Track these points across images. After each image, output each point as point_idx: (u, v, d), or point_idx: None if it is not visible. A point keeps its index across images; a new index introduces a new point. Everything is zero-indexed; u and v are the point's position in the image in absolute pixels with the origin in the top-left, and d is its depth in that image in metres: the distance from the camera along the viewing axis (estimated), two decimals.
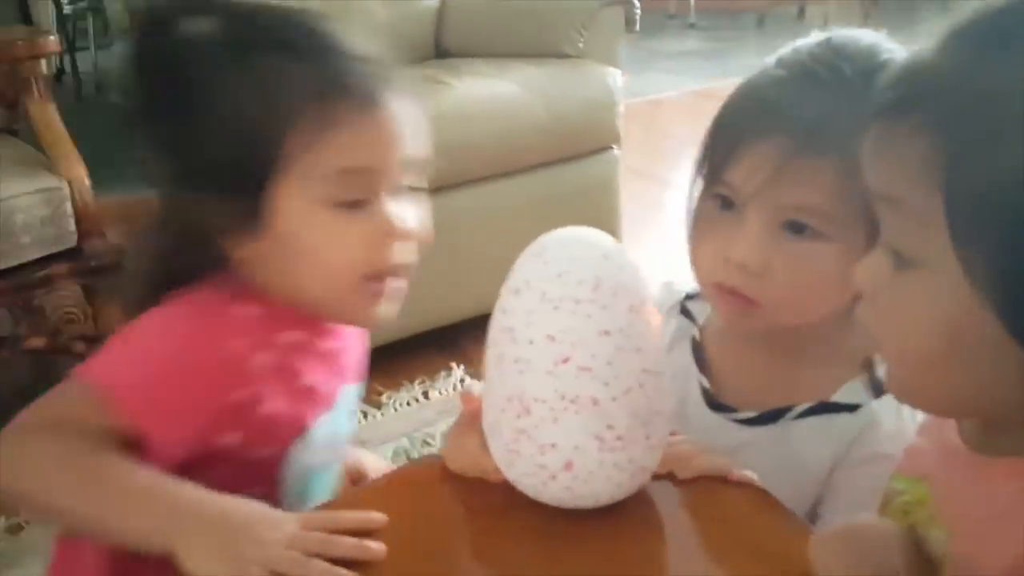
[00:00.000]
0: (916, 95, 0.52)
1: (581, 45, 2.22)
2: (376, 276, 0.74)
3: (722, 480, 0.72)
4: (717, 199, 0.77)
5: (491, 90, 2.05)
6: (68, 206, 1.64)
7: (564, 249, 0.65)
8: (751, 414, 0.82)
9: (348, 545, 0.64)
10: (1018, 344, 0.49)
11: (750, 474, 0.73)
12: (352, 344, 0.85)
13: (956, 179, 0.49)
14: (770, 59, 0.78)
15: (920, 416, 0.78)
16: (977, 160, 0.49)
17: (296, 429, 0.78)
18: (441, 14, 2.50)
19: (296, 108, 0.69)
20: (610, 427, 0.64)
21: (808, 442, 0.79)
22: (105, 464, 0.67)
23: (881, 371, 0.81)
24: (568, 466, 0.64)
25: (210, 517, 0.64)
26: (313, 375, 0.78)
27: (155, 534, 0.64)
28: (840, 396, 0.80)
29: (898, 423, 0.78)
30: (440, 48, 2.51)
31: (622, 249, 0.66)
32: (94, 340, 1.74)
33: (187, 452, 0.71)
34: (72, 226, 1.65)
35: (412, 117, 0.74)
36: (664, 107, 4.25)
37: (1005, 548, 0.53)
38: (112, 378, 0.71)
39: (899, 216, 0.54)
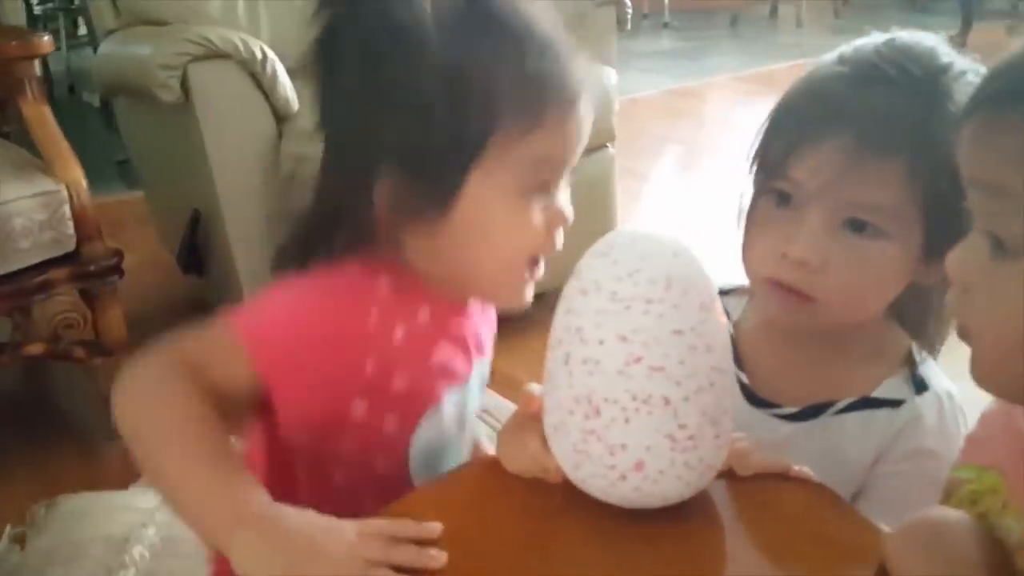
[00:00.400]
0: (1014, 91, 0.53)
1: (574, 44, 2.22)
2: (536, 260, 0.77)
3: (781, 477, 0.72)
4: (773, 195, 0.77)
5: None
6: (66, 209, 1.61)
7: (633, 247, 0.64)
8: (793, 409, 0.83)
9: (410, 553, 0.63)
10: None
11: (808, 471, 0.73)
12: (483, 321, 0.86)
13: None
14: (829, 56, 0.78)
15: (962, 418, 0.79)
16: None
17: (426, 404, 0.80)
18: None
19: (507, 104, 0.70)
20: (682, 427, 0.63)
21: (850, 437, 0.80)
22: (207, 438, 0.67)
23: (922, 367, 0.82)
24: (639, 467, 0.64)
25: (275, 533, 0.63)
26: (445, 352, 0.80)
27: (218, 531, 0.64)
28: (882, 392, 0.81)
29: (940, 420, 0.79)
30: None
31: (689, 247, 0.66)
32: (94, 346, 1.71)
33: (317, 417, 0.74)
34: (71, 230, 1.62)
35: (590, 112, 0.76)
36: (640, 105, 4.28)
37: None
38: (255, 331, 0.72)
39: (1001, 203, 0.54)
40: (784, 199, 0.76)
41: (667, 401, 0.63)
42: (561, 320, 0.66)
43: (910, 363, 0.82)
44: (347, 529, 0.64)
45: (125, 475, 1.70)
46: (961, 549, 0.57)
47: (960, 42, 4.89)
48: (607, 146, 2.21)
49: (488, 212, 0.72)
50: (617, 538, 0.67)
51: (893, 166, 0.72)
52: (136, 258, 2.65)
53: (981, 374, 0.59)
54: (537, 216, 0.74)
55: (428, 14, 0.70)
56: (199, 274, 2.07)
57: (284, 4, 2.24)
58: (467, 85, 0.69)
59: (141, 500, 1.38)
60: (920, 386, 0.81)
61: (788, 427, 0.83)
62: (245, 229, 1.85)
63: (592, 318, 0.64)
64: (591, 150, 2.17)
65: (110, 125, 2.89)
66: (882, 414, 0.80)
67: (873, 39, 0.78)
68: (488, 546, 0.68)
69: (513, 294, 0.78)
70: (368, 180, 0.72)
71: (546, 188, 0.74)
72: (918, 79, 0.73)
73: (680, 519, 0.68)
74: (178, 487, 0.67)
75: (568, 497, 0.70)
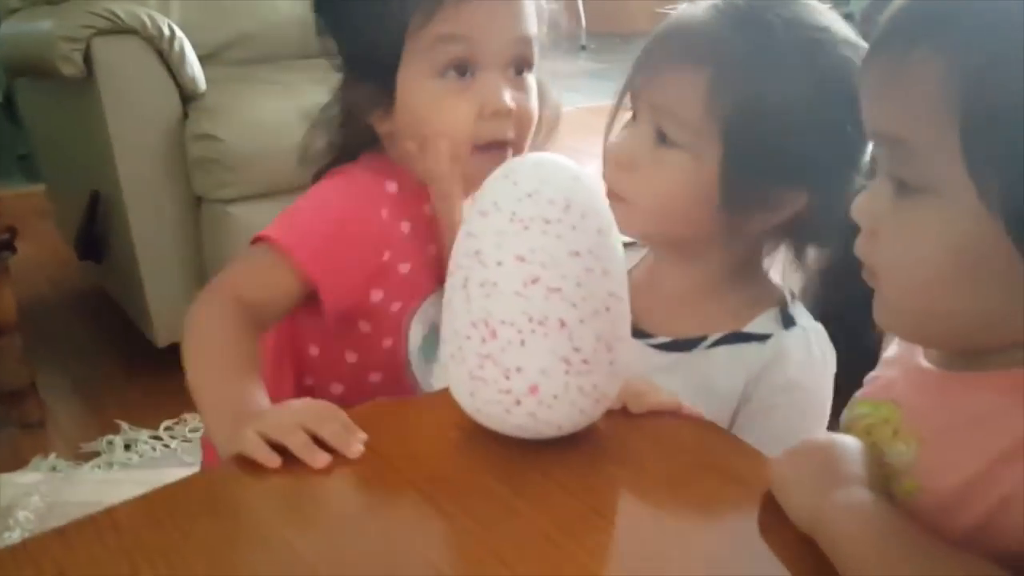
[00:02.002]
0: (924, 24, 0.53)
1: None
2: (486, 146, 0.84)
3: (674, 415, 0.72)
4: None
5: None
6: None
7: (534, 170, 0.65)
8: (665, 339, 0.85)
9: (336, 432, 0.68)
10: None
11: (700, 411, 0.74)
12: None
13: (972, 98, 0.50)
14: None
15: (830, 353, 0.82)
16: (995, 76, 0.50)
17: (427, 288, 0.91)
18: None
19: None
20: (577, 350, 0.64)
21: (720, 370, 0.83)
22: (234, 364, 0.78)
23: (792, 307, 0.84)
24: (533, 390, 0.64)
25: (248, 412, 0.71)
26: (441, 245, 0.89)
27: (223, 434, 0.71)
28: (752, 327, 0.83)
29: (807, 353, 0.82)
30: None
31: (589, 173, 0.66)
32: None
33: (344, 303, 0.86)
34: None
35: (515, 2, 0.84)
36: (562, 123, 4.35)
37: (971, 457, 0.55)
38: (290, 240, 0.84)
39: (903, 151, 0.55)
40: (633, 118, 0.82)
41: (563, 323, 0.63)
42: (461, 244, 0.66)
43: (781, 303, 0.85)
44: (300, 404, 0.72)
45: (13, 460, 1.65)
46: (842, 468, 0.59)
47: None
48: None
49: (415, 96, 0.82)
50: (512, 470, 0.66)
51: (697, 77, 0.76)
52: (34, 250, 2.57)
53: (888, 317, 0.60)
54: (462, 100, 0.82)
55: None
56: (97, 260, 2.00)
57: None
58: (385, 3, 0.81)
59: (27, 478, 1.33)
60: (788, 322, 0.83)
61: (661, 357, 0.85)
62: (147, 212, 1.80)
63: (491, 239, 0.64)
64: None
65: (12, 119, 2.79)
66: (751, 348, 0.82)
67: None
68: (386, 479, 0.67)
69: (472, 183, 0.83)
70: (346, 84, 0.86)
71: (462, 68, 0.82)
72: (746, 7, 0.77)
73: (575, 450, 0.68)
74: (201, 403, 0.77)
75: (466, 431, 0.70)
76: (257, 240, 0.86)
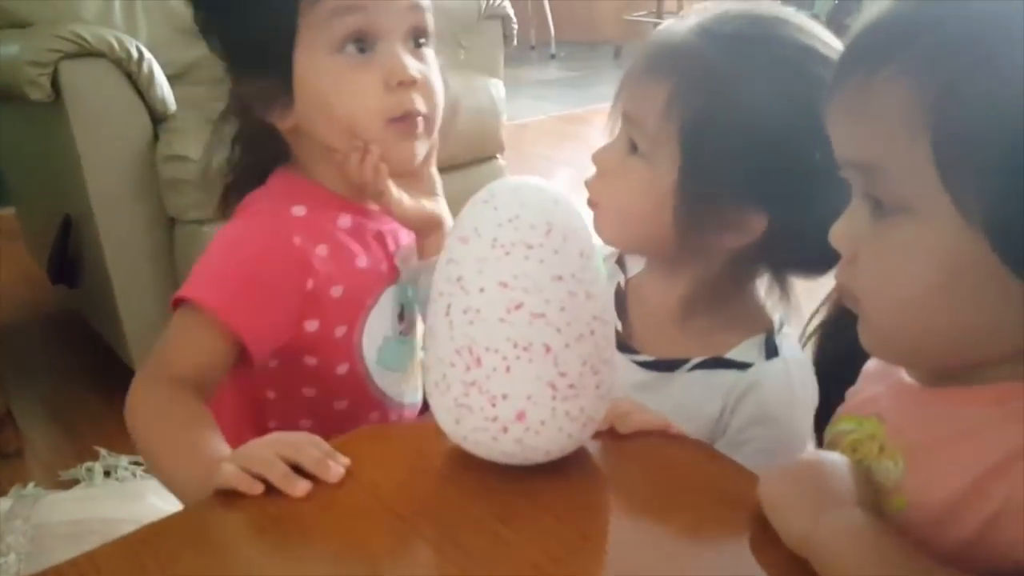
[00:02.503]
0: (885, 47, 0.53)
1: (462, 57, 2.23)
2: (400, 119, 0.81)
3: (661, 435, 0.72)
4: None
5: None
6: None
7: (514, 194, 0.64)
8: (649, 358, 0.85)
9: (315, 458, 0.67)
10: (1014, 275, 0.50)
11: (684, 430, 0.74)
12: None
13: (943, 114, 0.50)
14: None
15: (811, 386, 0.80)
16: (964, 91, 0.49)
17: (363, 305, 0.88)
18: None
19: None
20: (563, 375, 0.63)
21: (698, 393, 0.82)
22: (180, 422, 0.76)
23: (779, 336, 0.84)
24: (520, 416, 0.63)
25: (217, 456, 0.69)
26: (369, 255, 0.88)
27: (197, 486, 0.68)
28: (734, 354, 0.83)
29: (785, 385, 0.81)
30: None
31: (569, 196, 0.66)
32: None
33: (281, 342, 0.83)
34: None
35: None
36: (529, 129, 4.37)
37: (959, 471, 0.55)
38: (205, 295, 0.80)
39: (877, 175, 0.55)
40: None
41: (548, 348, 0.62)
42: (442, 271, 0.65)
43: (768, 330, 0.84)
44: (275, 436, 0.70)
45: None
46: (833, 487, 0.58)
47: None
48: (496, 157, 2.22)
49: (316, 78, 0.78)
50: (499, 497, 0.66)
51: (660, 87, 0.76)
52: (5, 274, 2.54)
53: (874, 340, 0.60)
54: (367, 74, 0.79)
55: None
56: (71, 284, 1.98)
57: (162, 8, 2.18)
58: None
59: (4, 504, 1.31)
60: (772, 352, 0.83)
61: (643, 375, 0.85)
62: (119, 234, 1.78)
63: (473, 266, 0.63)
64: (479, 161, 2.21)
65: None
66: (730, 375, 0.82)
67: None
68: (371, 509, 0.66)
69: (391, 155, 0.82)
70: (239, 85, 0.82)
71: (361, 42, 0.79)
72: (733, 26, 0.77)
73: (563, 474, 0.67)
74: (164, 471, 0.75)
75: (451, 458, 0.69)
76: (176, 301, 0.83)
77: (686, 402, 0.82)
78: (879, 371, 0.67)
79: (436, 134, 0.88)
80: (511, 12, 2.28)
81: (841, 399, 0.72)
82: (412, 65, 0.81)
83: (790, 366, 0.81)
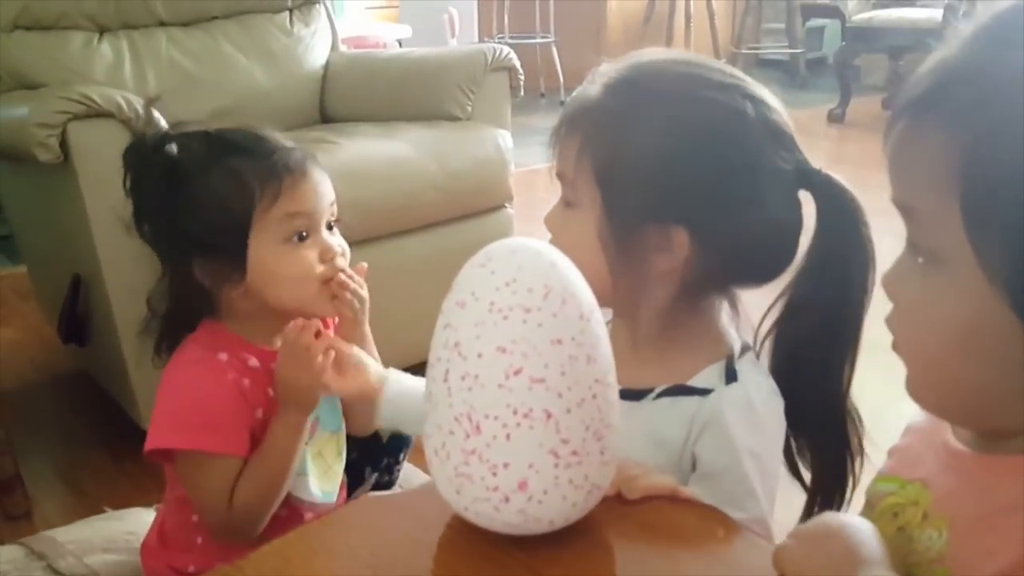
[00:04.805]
0: (936, 92, 0.53)
1: (470, 108, 2.24)
2: (328, 280, 1.04)
3: (669, 499, 0.70)
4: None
5: (381, 149, 2.03)
6: None
7: (511, 257, 0.63)
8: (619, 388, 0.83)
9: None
10: None
11: (696, 492, 0.72)
12: None
13: (971, 169, 0.50)
14: None
15: (773, 409, 0.84)
16: (991, 148, 0.49)
17: None
18: (325, 80, 2.49)
19: (257, 187, 0.99)
20: (565, 441, 0.61)
21: (665, 420, 0.84)
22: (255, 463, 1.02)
23: (740, 361, 0.86)
24: (522, 486, 0.61)
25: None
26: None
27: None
28: (696, 380, 0.85)
29: (746, 410, 0.83)
30: (325, 115, 2.49)
31: (566, 258, 0.64)
32: None
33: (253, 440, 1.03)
34: None
35: (323, 177, 1.05)
36: (541, 175, 4.36)
37: (1006, 545, 0.53)
38: (193, 442, 1.00)
39: (914, 221, 0.55)
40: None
41: (549, 414, 0.61)
42: (439, 336, 0.64)
43: (729, 356, 0.86)
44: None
45: None
46: (862, 553, 0.56)
47: (840, 114, 5.08)
48: (505, 206, 2.22)
49: (267, 262, 1.01)
50: (504, 567, 0.63)
51: (572, 140, 0.84)
52: (16, 333, 2.54)
53: (915, 391, 0.59)
54: (304, 254, 1.02)
55: (196, 156, 1.01)
56: (80, 343, 1.97)
57: (171, 66, 2.21)
58: (230, 189, 0.99)
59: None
60: (731, 377, 0.84)
61: None
62: (128, 294, 1.76)
63: (470, 330, 0.61)
64: (487, 210, 2.21)
65: None
66: (692, 401, 0.84)
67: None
68: None
69: (317, 308, 1.05)
70: (187, 267, 1.01)
71: (308, 232, 1.02)
72: (611, 77, 0.85)
73: (567, 545, 0.65)
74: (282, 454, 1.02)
75: (453, 528, 0.67)
76: (154, 453, 1.00)
77: (656, 429, 0.84)
78: (924, 428, 0.65)
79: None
80: (517, 64, 2.29)
81: (802, 397, 0.84)
82: (335, 242, 1.05)
83: (749, 390, 0.84)
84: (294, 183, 1.01)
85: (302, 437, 1.02)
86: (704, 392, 0.83)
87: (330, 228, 1.06)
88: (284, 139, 1.06)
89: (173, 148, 1.01)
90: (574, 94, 0.89)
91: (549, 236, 0.88)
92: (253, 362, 1.05)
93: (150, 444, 1.00)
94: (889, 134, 0.57)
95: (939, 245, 0.53)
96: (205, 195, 0.99)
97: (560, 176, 0.87)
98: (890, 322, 0.59)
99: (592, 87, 0.86)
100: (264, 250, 1.00)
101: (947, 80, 0.53)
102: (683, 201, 0.81)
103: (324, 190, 1.04)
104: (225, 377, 1.02)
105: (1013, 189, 0.48)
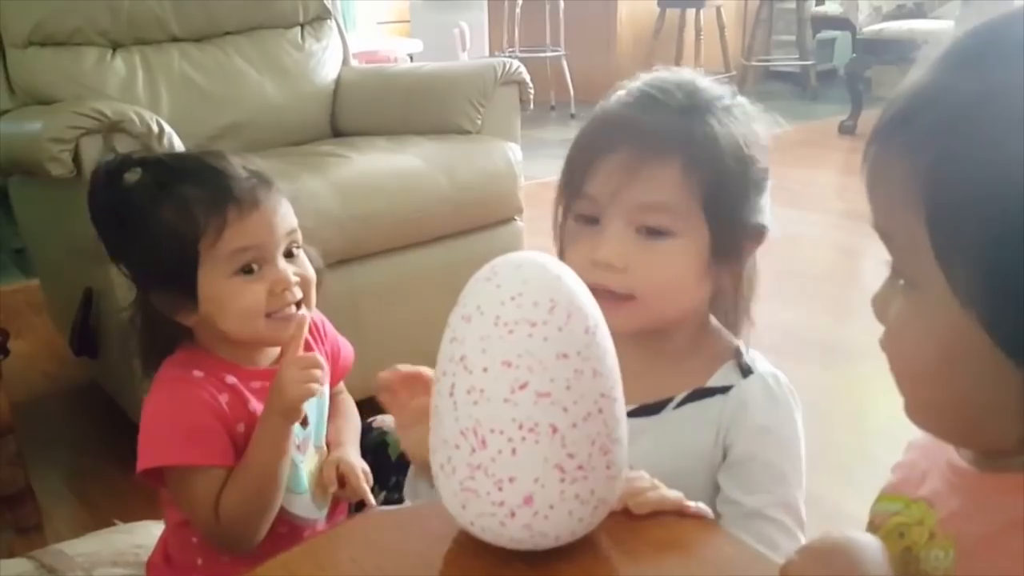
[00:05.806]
0: (901, 117, 0.54)
1: (479, 122, 2.25)
2: (274, 313, 1.03)
3: (677, 514, 0.69)
4: (581, 219, 0.86)
5: (392, 162, 2.03)
6: None
7: (516, 271, 0.63)
8: (633, 406, 0.83)
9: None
10: (1007, 356, 0.49)
11: (704, 508, 0.71)
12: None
13: (935, 192, 0.50)
14: (615, 91, 0.89)
15: (793, 395, 0.87)
16: (951, 171, 0.49)
17: None
18: (336, 95, 2.50)
19: (203, 218, 0.99)
20: (571, 456, 0.61)
21: (689, 427, 0.86)
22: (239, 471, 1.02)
23: (747, 357, 0.89)
24: (528, 501, 0.61)
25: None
26: (255, 401, 1.07)
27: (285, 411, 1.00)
28: (713, 381, 0.87)
29: (768, 397, 0.86)
30: (336, 129, 2.49)
31: (572, 272, 0.64)
32: None
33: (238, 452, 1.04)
34: None
35: (280, 204, 1.04)
36: (549, 188, 4.35)
37: (1013, 564, 0.53)
38: (176, 457, 1.01)
39: (890, 245, 0.55)
40: (590, 221, 0.85)
41: (554, 429, 0.60)
42: (445, 350, 0.64)
43: (736, 354, 0.89)
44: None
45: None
46: (866, 570, 0.56)
47: (851, 126, 5.06)
48: (515, 219, 2.22)
49: (215, 295, 1.01)
50: None
51: (669, 168, 0.81)
52: (29, 346, 2.55)
53: (910, 412, 0.59)
54: (254, 287, 1.01)
55: (138, 180, 1.03)
56: (92, 356, 1.98)
57: (184, 82, 2.22)
58: (177, 221, 0.99)
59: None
60: (746, 371, 0.87)
61: (630, 424, 0.83)
62: None
63: (476, 344, 0.61)
64: (497, 223, 2.21)
65: (8, 214, 2.80)
66: (715, 401, 0.86)
67: (643, 76, 0.89)
68: None
69: (268, 340, 1.07)
70: (152, 296, 1.03)
71: (259, 263, 1.02)
72: (679, 99, 0.84)
73: (574, 560, 0.64)
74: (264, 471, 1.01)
75: (458, 543, 0.66)
76: (147, 476, 1.01)
77: (679, 438, 0.85)
78: (928, 445, 0.65)
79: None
80: (527, 77, 2.30)
81: None
82: (290, 273, 1.04)
83: (767, 379, 0.87)
84: (240, 216, 1.00)
85: (286, 443, 1.01)
86: (724, 390, 0.86)
87: (290, 255, 1.05)
88: (247, 164, 1.06)
89: (127, 177, 1.02)
90: (618, 115, 0.87)
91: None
92: (231, 379, 1.05)
93: (139, 467, 1.01)
94: (864, 160, 0.57)
95: (911, 270, 0.54)
96: (154, 225, 1.00)
97: (647, 206, 0.83)
98: (882, 343, 0.59)
99: (641, 107, 0.85)
100: (212, 283, 1.01)
101: (911, 105, 0.53)
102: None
103: (278, 220, 1.03)
104: (200, 392, 1.02)
105: (975, 209, 0.48)
